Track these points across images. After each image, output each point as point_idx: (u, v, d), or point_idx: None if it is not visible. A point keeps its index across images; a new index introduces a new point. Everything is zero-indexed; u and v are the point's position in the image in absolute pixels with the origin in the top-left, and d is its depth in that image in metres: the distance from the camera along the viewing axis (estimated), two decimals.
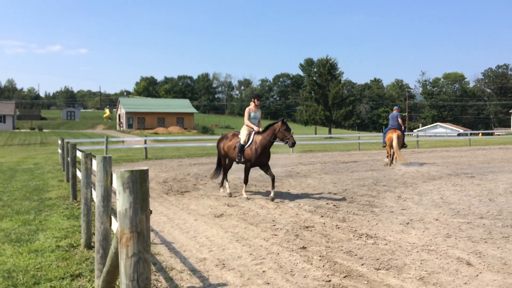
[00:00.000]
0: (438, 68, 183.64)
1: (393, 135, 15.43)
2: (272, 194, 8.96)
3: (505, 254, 5.08)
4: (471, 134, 39.74)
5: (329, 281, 4.37)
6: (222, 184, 10.17)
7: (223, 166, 10.10)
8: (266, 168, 9.29)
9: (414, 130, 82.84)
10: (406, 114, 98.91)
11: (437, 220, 6.99)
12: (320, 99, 59.83)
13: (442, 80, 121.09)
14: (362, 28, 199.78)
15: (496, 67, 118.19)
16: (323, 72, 60.75)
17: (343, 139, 41.05)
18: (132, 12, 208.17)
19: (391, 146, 15.75)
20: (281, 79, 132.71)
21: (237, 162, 9.52)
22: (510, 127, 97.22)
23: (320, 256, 5.14)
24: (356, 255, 5.19)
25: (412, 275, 4.47)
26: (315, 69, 67.05)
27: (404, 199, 8.96)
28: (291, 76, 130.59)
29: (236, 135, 9.91)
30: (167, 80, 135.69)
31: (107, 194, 4.07)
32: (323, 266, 4.81)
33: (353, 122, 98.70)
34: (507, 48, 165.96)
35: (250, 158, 9.23)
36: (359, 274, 4.54)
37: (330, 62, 60.74)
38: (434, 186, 10.75)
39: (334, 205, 8.40)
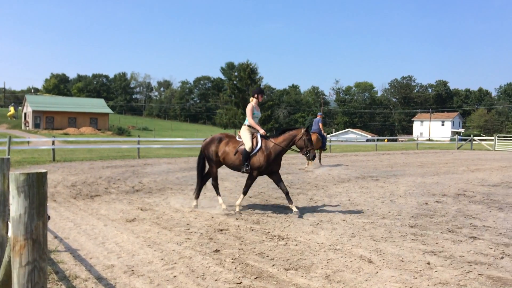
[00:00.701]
0: (350, 77, 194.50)
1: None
2: (295, 209, 7.76)
3: (403, 251, 5.50)
4: (377, 140, 42.61)
5: (240, 283, 4.42)
6: (198, 195, 8.61)
7: (214, 175, 8.40)
8: (277, 177, 8.08)
9: (327, 135, 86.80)
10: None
11: (344, 220, 7.38)
12: (240, 103, 60.42)
13: (353, 88, 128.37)
14: (282, 35, 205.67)
15: (401, 78, 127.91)
16: (243, 77, 61.48)
17: None
18: (42, 2, 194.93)
19: None
20: (202, 82, 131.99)
21: (242, 171, 7.97)
22: (411, 133, 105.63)
23: (232, 259, 5.18)
24: (267, 256, 5.31)
25: (319, 274, 4.67)
26: (235, 73, 67.55)
27: (315, 201, 9.34)
28: (212, 79, 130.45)
29: (232, 137, 8.45)
30: (80, 78, 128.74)
31: (4, 198, 3.77)
32: (235, 268, 4.85)
33: (272, 126, 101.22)
34: (411, 61, 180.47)
35: (260, 166, 7.86)
36: (269, 275, 4.65)
37: (251, 67, 61.66)
38: (343, 188, 11.34)
39: (249, 208, 8.52)
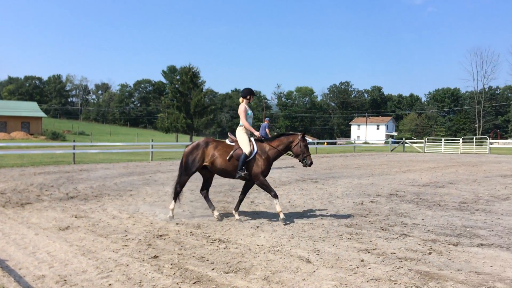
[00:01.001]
0: (292, 81, 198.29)
1: None
2: (237, 217, 7.71)
3: (339, 250, 5.69)
4: (317, 143, 43.76)
5: None
6: (174, 204, 7.91)
7: (184, 182, 7.85)
8: (251, 184, 7.88)
9: None
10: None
11: (284, 222, 7.49)
12: (182, 107, 59.72)
13: (294, 93, 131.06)
14: (225, 39, 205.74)
15: (339, 84, 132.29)
16: (185, 80, 60.80)
17: None
18: None
19: None
20: (142, 85, 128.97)
21: (237, 177, 7.53)
22: (349, 137, 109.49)
23: (171, 264, 5.10)
24: (207, 260, 5.28)
25: (258, 275, 4.71)
26: (177, 77, 66.71)
27: (257, 204, 9.43)
28: (153, 82, 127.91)
29: (220, 141, 7.94)
30: (11, 80, 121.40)
31: None
32: (174, 274, 4.78)
33: (214, 130, 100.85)
34: (349, 67, 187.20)
35: (263, 171, 7.55)
36: (208, 279, 4.63)
37: (193, 70, 61.12)
38: (284, 191, 11.54)
39: (189, 212, 8.44)
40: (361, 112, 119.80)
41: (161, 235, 6.54)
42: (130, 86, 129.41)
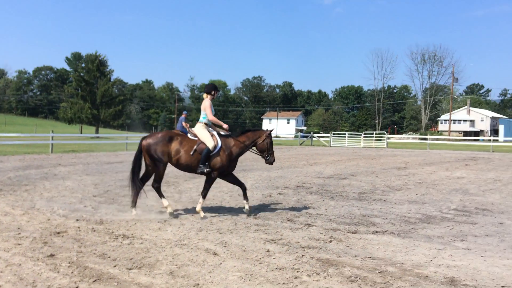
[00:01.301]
0: (205, 74, 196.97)
1: None
2: (247, 207, 7.56)
3: (246, 242, 5.76)
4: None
5: (77, 287, 4.11)
6: (135, 203, 7.53)
7: (160, 177, 7.51)
8: (232, 178, 7.80)
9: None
10: (175, 116, 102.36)
11: (193, 215, 7.43)
12: (87, 96, 56.51)
13: None
14: (136, 28, 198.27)
15: (252, 78, 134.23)
16: (91, 68, 57.55)
17: (110, 139, 39.69)
18: None
19: None
20: (43, 72, 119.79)
21: (200, 172, 7.41)
22: None
23: (69, 263, 4.79)
24: (109, 257, 5.05)
25: (163, 270, 4.61)
26: (83, 65, 63.06)
27: (165, 198, 9.21)
28: (55, 69, 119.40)
29: (183, 135, 7.65)
30: None
31: None
32: (72, 272, 4.50)
33: (123, 122, 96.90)
34: (261, 62, 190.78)
35: (222, 166, 7.44)
36: (110, 276, 4.43)
37: (100, 58, 58.03)
38: (194, 184, 11.43)
39: (92, 208, 8.01)
40: (273, 107, 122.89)
41: (58, 232, 6.12)
42: (29, 73, 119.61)
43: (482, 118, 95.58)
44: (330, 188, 11.00)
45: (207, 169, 7.35)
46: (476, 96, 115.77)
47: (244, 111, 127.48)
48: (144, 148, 7.43)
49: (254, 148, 7.82)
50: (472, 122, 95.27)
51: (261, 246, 5.55)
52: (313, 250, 5.41)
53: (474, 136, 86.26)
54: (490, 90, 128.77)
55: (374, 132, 46.30)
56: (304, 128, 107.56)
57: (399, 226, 6.82)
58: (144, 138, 7.59)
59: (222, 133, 7.77)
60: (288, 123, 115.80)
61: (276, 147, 36.73)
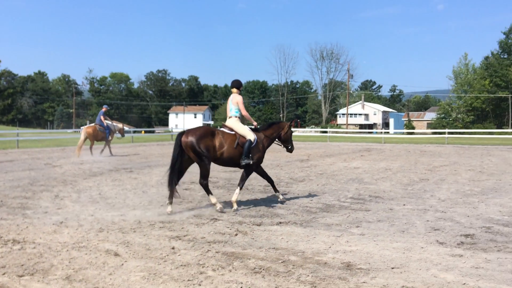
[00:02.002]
0: (106, 67, 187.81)
1: (84, 131, 18.32)
2: (281, 197, 8.34)
3: (150, 240, 5.60)
4: (134, 132, 42.56)
5: None
6: (171, 201, 7.36)
7: (207, 172, 7.55)
8: (261, 169, 8.33)
9: (82, 127, 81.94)
10: (74, 110, 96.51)
11: (92, 216, 7.04)
12: None
13: (109, 79, 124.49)
14: (26, 14, 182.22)
15: (156, 71, 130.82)
16: None
17: None
18: None
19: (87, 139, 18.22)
20: None
21: (242, 164, 7.71)
22: (168, 125, 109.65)
23: None
24: None
25: (59, 275, 4.30)
26: None
27: (62, 198, 8.63)
28: None
29: (221, 130, 7.80)
30: None
31: None
32: None
33: (13, 117, 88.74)
34: (166, 55, 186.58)
35: (259, 158, 7.99)
36: None
37: None
38: (94, 182, 10.85)
39: None
40: (179, 101, 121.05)
41: None
42: None
43: (375, 112, 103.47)
44: (236, 182, 11.10)
45: (250, 161, 7.70)
46: (369, 91, 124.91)
47: (149, 106, 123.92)
48: (188, 145, 7.34)
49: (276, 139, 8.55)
50: (367, 115, 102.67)
51: (166, 243, 5.43)
52: (218, 244, 5.42)
53: (369, 128, 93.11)
54: (381, 86, 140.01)
55: None
56: (212, 122, 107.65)
57: (301, 216, 7.11)
58: (182, 135, 7.48)
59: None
60: (195, 117, 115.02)
61: None
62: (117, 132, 20.24)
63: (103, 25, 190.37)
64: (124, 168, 14.02)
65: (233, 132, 7.82)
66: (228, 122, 7.98)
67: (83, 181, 11.00)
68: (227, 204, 8.04)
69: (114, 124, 20.30)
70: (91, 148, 18.75)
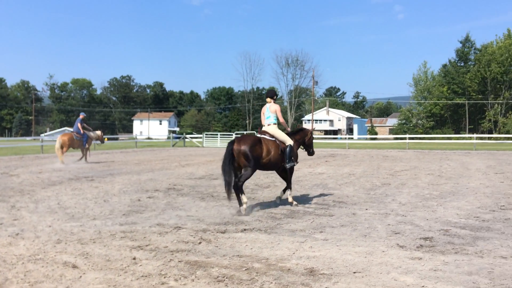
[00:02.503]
0: (67, 73, 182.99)
1: (59, 139, 18.46)
2: (290, 199, 8.81)
3: (110, 251, 5.44)
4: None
5: None
6: (240, 201, 7.95)
7: (249, 177, 8.18)
8: (285, 173, 8.84)
9: (41, 135, 79.29)
10: (33, 117, 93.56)
11: (50, 226, 6.79)
12: None
13: (70, 85, 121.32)
14: None
15: (120, 77, 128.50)
16: None
17: None
18: None
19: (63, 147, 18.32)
20: None
21: (287, 167, 8.50)
22: (132, 132, 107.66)
23: None
24: None
25: None
26: None
27: (18, 209, 8.30)
28: None
29: (265, 138, 8.39)
30: None
31: None
32: None
33: None
34: (130, 61, 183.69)
35: (296, 160, 8.82)
36: None
37: None
38: (53, 192, 10.49)
39: None
40: (144, 107, 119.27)
41: None
42: None
43: (339, 118, 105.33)
44: (201, 189, 11.03)
45: (294, 164, 8.56)
46: (333, 98, 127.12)
47: (113, 112, 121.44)
48: (241, 153, 7.87)
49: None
50: (331, 121, 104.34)
51: (127, 254, 5.30)
52: (181, 253, 5.33)
53: (333, 134, 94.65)
54: (345, 92, 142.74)
55: (245, 132, 47.81)
56: (177, 129, 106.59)
57: (266, 223, 7.11)
58: (234, 143, 7.97)
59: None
60: (161, 124, 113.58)
61: (147, 149, 35.85)
62: (96, 139, 20.57)
63: (64, 29, 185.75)
64: (85, 177, 13.64)
65: (274, 139, 8.46)
66: (268, 129, 8.61)
67: (42, 191, 10.61)
68: (188, 210, 7.95)
69: (93, 132, 20.43)
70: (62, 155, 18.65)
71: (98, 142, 21.19)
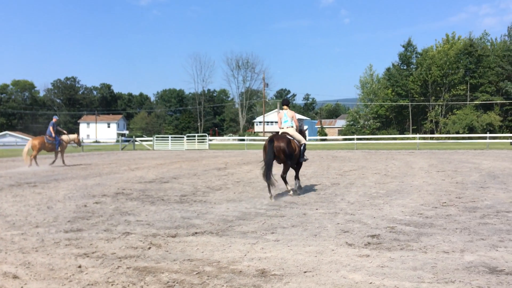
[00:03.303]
0: (6, 74, 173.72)
1: (29, 142, 19.35)
2: (297, 185, 10.63)
3: (54, 259, 5.19)
4: None
5: None
6: (271, 193, 9.72)
7: (288, 169, 10.21)
8: (297, 166, 10.79)
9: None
10: None
11: None
12: None
13: (11, 87, 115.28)
14: None
15: (64, 79, 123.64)
16: None
17: None
18: None
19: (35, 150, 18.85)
20: None
21: (302, 161, 10.63)
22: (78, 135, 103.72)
23: None
24: None
25: None
26: None
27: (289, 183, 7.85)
28: None
29: (290, 138, 10.14)
30: None
31: None
32: None
33: None
34: (74, 62, 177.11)
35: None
36: None
37: None
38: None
39: None
40: (91, 110, 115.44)
41: None
42: None
43: None
44: (151, 193, 10.80)
45: (307, 159, 10.96)
46: None
47: (57, 115, 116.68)
48: (281, 149, 9.68)
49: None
50: None
51: (72, 262, 5.08)
52: (130, 259, 5.18)
53: None
54: (296, 94, 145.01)
55: (197, 134, 47.41)
56: (127, 132, 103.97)
57: (217, 225, 7.06)
58: (273, 141, 9.66)
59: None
60: (109, 127, 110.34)
61: (95, 152, 34.65)
62: (71, 142, 20.95)
63: (3, 27, 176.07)
64: (27, 183, 12.98)
65: (292, 138, 10.19)
66: (288, 131, 10.40)
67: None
68: (137, 215, 7.76)
69: (67, 135, 20.77)
70: (33, 158, 18.97)
71: (75, 145, 21.61)
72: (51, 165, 19.85)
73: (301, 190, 10.65)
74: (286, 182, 10.20)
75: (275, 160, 9.74)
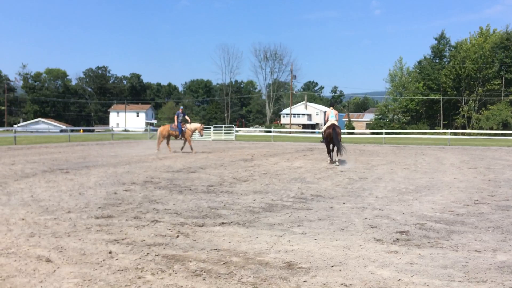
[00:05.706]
0: (41, 62, 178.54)
1: (158, 130, 22.17)
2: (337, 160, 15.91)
3: (85, 244, 5.34)
4: (72, 130, 40.76)
5: None
6: (332, 158, 16.13)
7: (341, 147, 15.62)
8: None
9: (14, 125, 77.25)
10: (5, 108, 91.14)
11: (23, 219, 6.62)
12: None
13: (44, 75, 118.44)
14: None
15: (96, 68, 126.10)
16: None
17: None
18: None
19: None
20: None
21: (338, 144, 15.51)
22: (108, 124, 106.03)
23: None
24: None
25: None
26: None
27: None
28: None
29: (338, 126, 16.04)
30: None
31: None
32: None
33: None
34: (106, 52, 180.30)
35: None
36: None
37: None
38: (27, 184, 10.24)
39: None
40: (120, 99, 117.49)
41: None
42: None
43: (317, 112, 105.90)
44: (179, 182, 10.93)
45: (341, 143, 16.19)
46: (311, 92, 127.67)
47: (88, 103, 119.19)
48: (339, 133, 15.50)
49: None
50: (309, 116, 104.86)
51: (103, 247, 5.20)
52: (159, 247, 5.27)
53: (311, 128, 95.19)
54: (323, 87, 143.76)
55: (223, 125, 47.67)
56: (155, 121, 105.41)
57: (244, 216, 7.09)
58: (333, 128, 15.51)
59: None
60: (138, 116, 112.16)
61: (124, 141, 35.30)
62: (195, 131, 22.65)
63: (38, 17, 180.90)
64: (59, 169, 13.36)
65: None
66: (335, 123, 15.80)
67: (14, 183, 10.34)
68: (166, 204, 7.88)
69: (189, 124, 22.48)
70: (160, 143, 22.27)
71: (198, 134, 23.58)
72: (181, 151, 22.52)
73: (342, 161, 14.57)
74: (330, 155, 16.51)
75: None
